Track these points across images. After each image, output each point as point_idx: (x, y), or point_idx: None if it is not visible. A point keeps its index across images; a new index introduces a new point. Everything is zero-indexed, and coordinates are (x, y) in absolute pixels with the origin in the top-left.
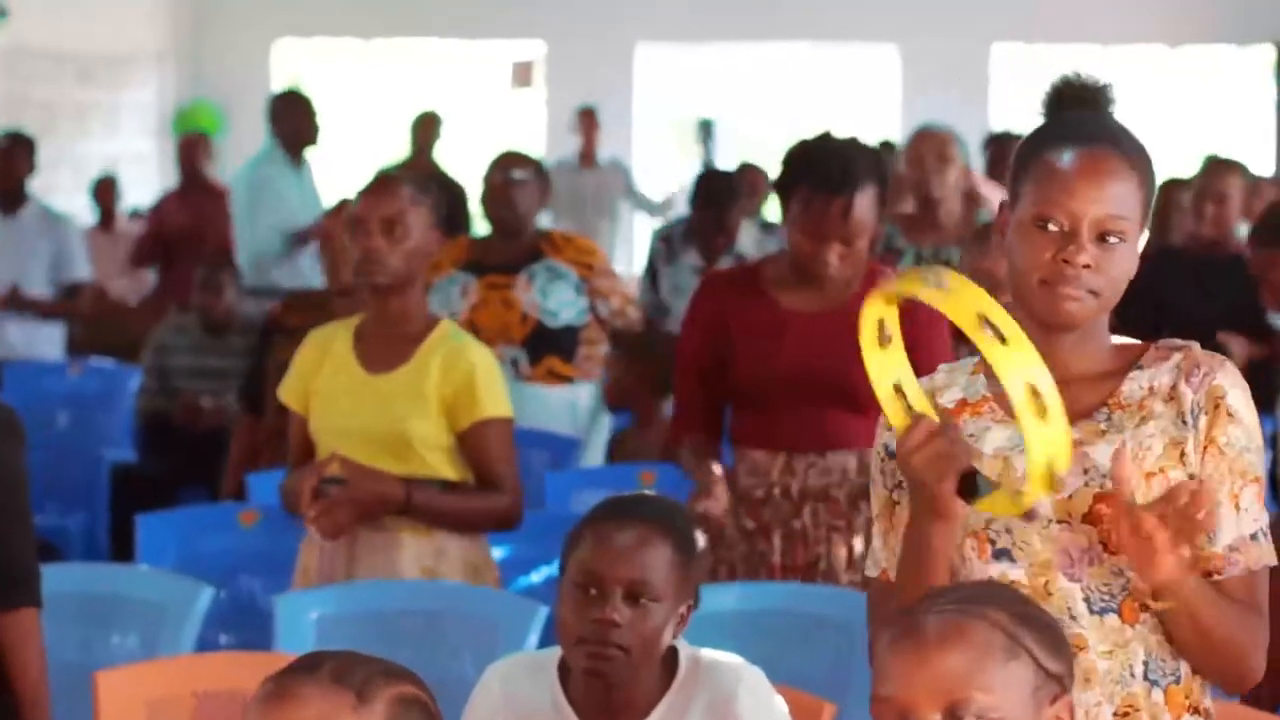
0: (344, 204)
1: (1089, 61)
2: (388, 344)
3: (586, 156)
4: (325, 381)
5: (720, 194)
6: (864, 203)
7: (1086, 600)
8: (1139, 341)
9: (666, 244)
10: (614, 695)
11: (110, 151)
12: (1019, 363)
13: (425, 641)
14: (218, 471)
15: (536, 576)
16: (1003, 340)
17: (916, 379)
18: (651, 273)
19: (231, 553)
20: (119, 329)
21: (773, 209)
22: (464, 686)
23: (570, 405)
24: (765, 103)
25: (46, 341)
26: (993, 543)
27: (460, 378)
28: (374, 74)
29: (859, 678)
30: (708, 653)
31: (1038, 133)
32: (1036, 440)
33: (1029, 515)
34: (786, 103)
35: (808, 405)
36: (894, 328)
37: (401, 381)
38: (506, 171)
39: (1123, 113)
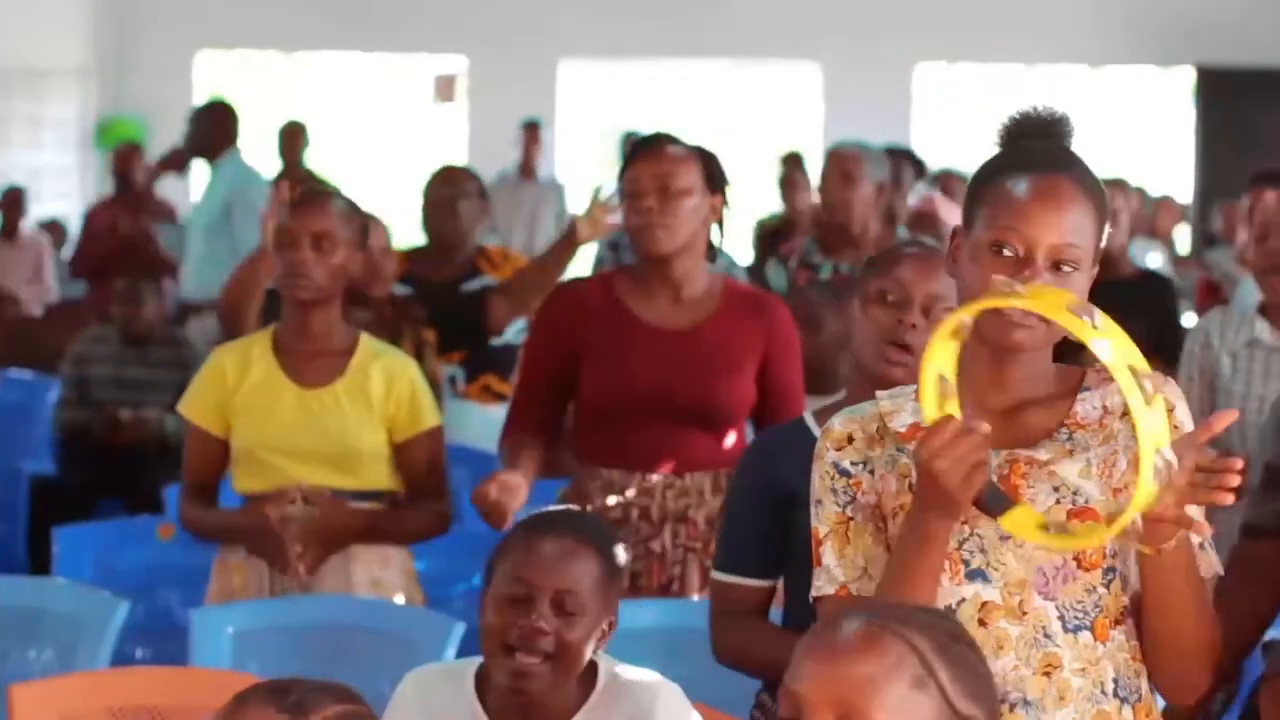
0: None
1: (1011, 81)
2: (316, 358)
3: (527, 170)
4: (250, 398)
5: None
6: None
7: (1061, 618)
8: (1073, 366)
9: (614, 250)
10: (532, 706)
11: (32, 164)
12: (1118, 348)
13: (342, 656)
14: (136, 484)
15: (455, 592)
16: (1097, 329)
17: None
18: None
19: (149, 566)
20: (31, 339)
21: None
22: (380, 702)
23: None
24: (689, 119)
25: None
26: (966, 563)
27: (405, 390)
28: (296, 87)
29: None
30: (626, 668)
31: (995, 160)
32: (1146, 427)
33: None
34: (709, 119)
35: (663, 424)
36: (951, 377)
37: (344, 394)
38: (443, 187)
39: (1080, 142)
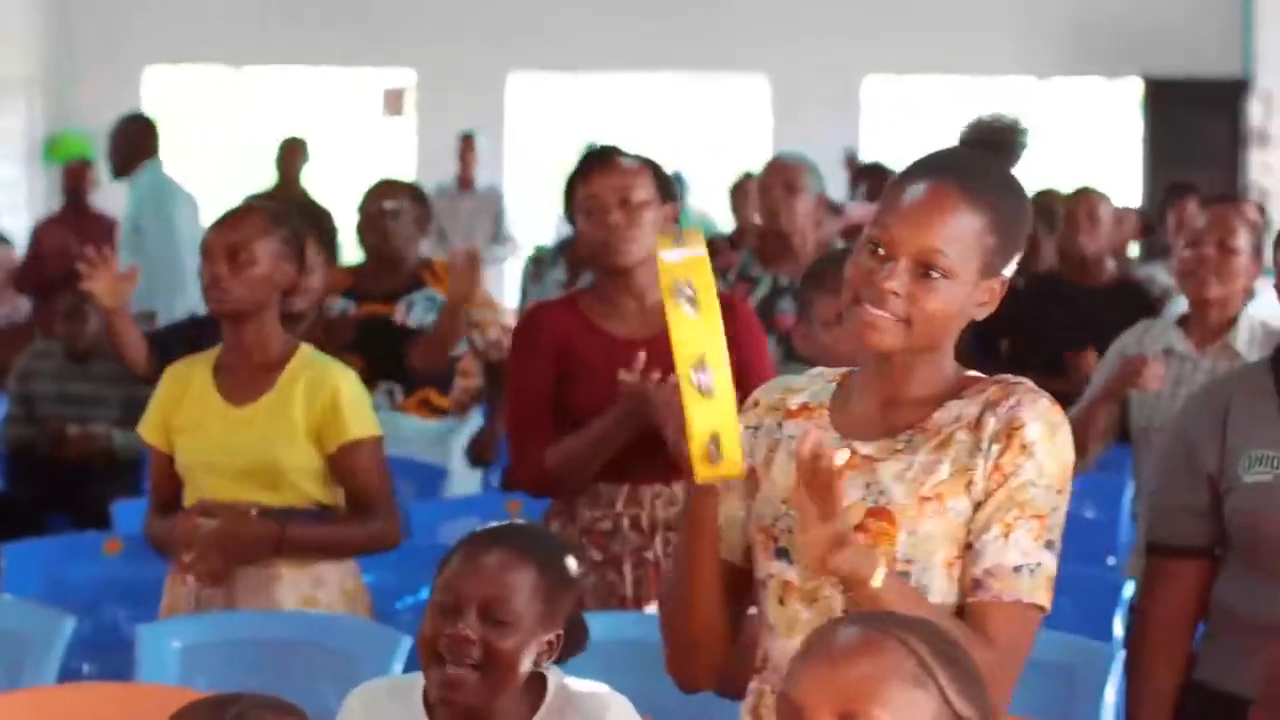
0: None
1: (959, 93)
2: (247, 374)
3: (464, 182)
4: (187, 416)
5: None
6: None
7: (847, 611)
8: (977, 376)
9: (537, 265)
10: (478, 719)
11: None
12: (697, 333)
13: (289, 671)
14: (84, 499)
15: (402, 606)
16: (694, 306)
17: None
18: (524, 295)
19: (96, 581)
20: None
21: None
22: (327, 717)
23: (442, 437)
24: (637, 132)
25: None
26: (776, 540)
27: (325, 401)
28: (245, 102)
29: (722, 708)
30: (575, 682)
31: (909, 165)
32: (694, 413)
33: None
34: (658, 132)
35: (650, 433)
36: (699, 292)
37: (266, 411)
38: (381, 201)
39: (1031, 151)
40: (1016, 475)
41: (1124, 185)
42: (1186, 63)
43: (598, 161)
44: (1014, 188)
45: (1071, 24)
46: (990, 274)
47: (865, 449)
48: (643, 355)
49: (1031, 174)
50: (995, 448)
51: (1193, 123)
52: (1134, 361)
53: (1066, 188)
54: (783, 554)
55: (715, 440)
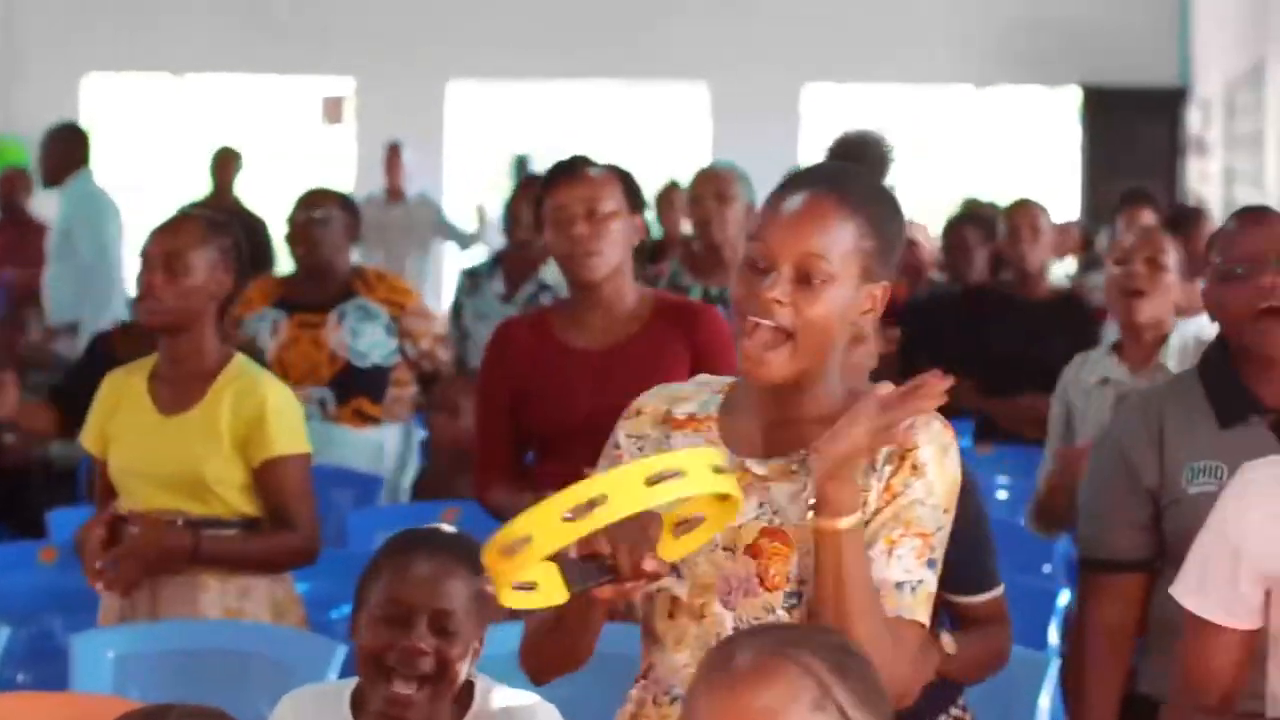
0: None
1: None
2: (181, 383)
3: (393, 192)
4: (120, 424)
5: (531, 224)
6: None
7: (736, 629)
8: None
9: (472, 279)
10: None
11: None
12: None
13: (223, 680)
14: (20, 508)
15: (338, 615)
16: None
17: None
18: (458, 308)
19: (32, 590)
20: None
21: None
22: None
23: (377, 446)
24: (578, 140)
25: None
26: None
27: (251, 414)
28: (185, 109)
29: None
30: (503, 689)
31: (786, 178)
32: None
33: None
34: (599, 139)
35: (602, 444)
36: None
37: (195, 421)
38: (309, 210)
39: (900, 164)
40: (905, 494)
41: (1062, 194)
42: (1125, 71)
43: (565, 172)
44: (887, 194)
45: (1010, 32)
46: (871, 279)
47: (758, 469)
48: None
49: (969, 181)
50: (888, 469)
51: (1131, 131)
52: (1068, 455)
53: (1005, 196)
54: (672, 570)
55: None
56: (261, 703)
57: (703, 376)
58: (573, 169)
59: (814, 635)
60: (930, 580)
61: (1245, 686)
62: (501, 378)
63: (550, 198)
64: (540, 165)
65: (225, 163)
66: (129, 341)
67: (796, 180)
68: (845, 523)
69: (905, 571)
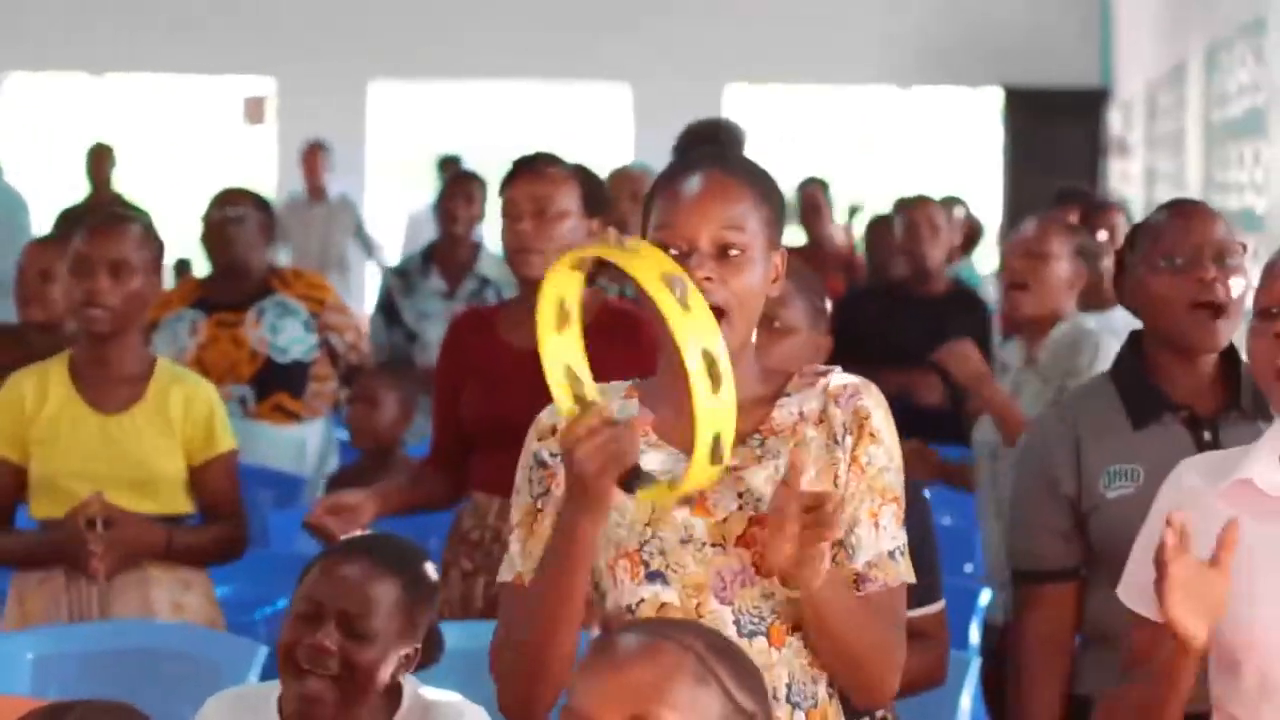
0: (55, 240)
1: (821, 102)
2: (114, 384)
3: (314, 191)
4: (48, 425)
5: (466, 220)
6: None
7: (736, 623)
8: (780, 371)
9: (402, 278)
10: None
11: None
12: (698, 329)
13: (144, 681)
14: None
15: (260, 616)
16: (685, 306)
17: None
18: (387, 308)
19: None
20: None
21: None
22: None
23: (299, 443)
24: (501, 140)
25: None
26: (646, 564)
27: (202, 413)
28: (105, 110)
29: None
30: (431, 691)
31: (663, 172)
32: (705, 411)
33: (687, 500)
34: (521, 140)
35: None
36: (574, 307)
37: (143, 419)
38: (224, 209)
39: (753, 150)
40: (872, 464)
41: (985, 195)
42: (1047, 72)
43: (525, 167)
44: (762, 166)
45: (933, 34)
46: (774, 246)
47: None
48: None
49: (894, 182)
50: (849, 439)
51: (1052, 132)
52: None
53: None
54: (656, 577)
55: (718, 440)
56: (183, 703)
57: (601, 384)
58: (533, 165)
59: (692, 625)
60: (905, 538)
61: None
62: (447, 369)
63: (506, 191)
64: (471, 165)
65: (100, 159)
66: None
67: (680, 167)
68: (822, 584)
69: (892, 539)
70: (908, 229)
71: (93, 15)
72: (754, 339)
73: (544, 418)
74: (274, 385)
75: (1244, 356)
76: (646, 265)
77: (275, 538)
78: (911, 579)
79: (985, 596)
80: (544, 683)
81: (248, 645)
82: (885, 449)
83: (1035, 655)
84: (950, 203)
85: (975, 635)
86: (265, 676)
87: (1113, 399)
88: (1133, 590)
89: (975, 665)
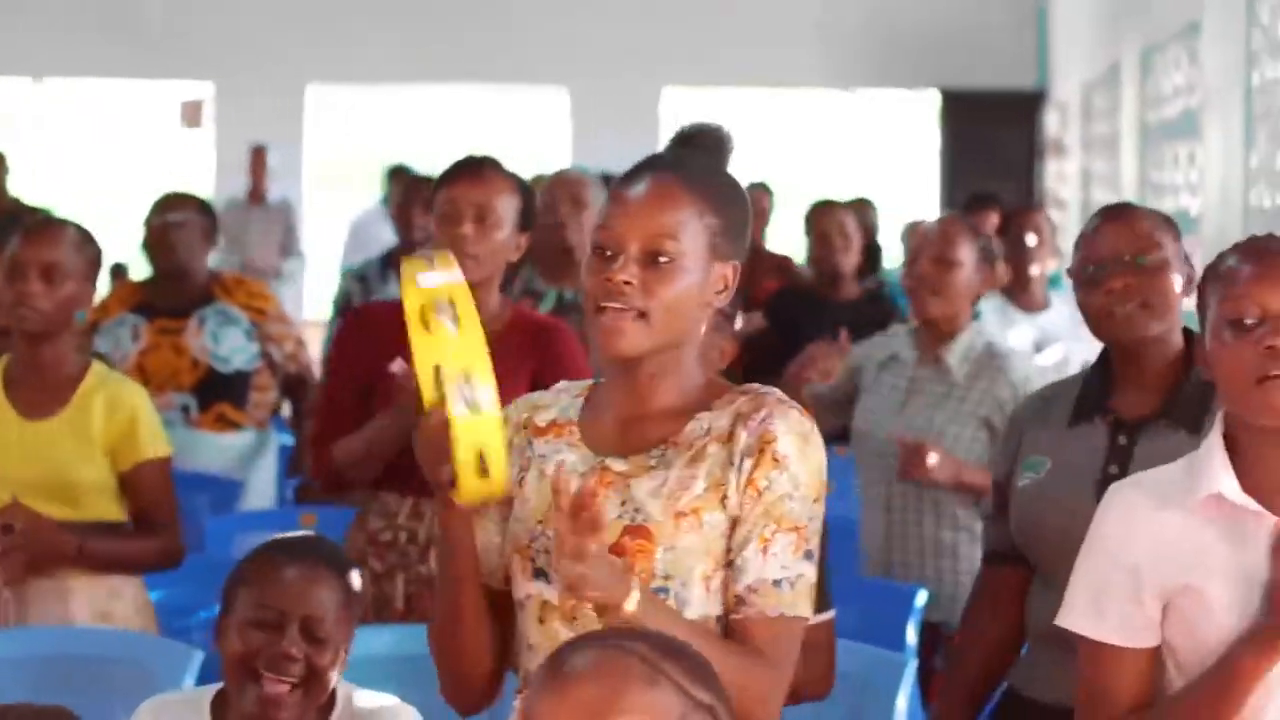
0: None
1: (760, 104)
2: (42, 389)
3: (255, 195)
4: None
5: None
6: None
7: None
8: (722, 383)
9: (362, 282)
10: None
11: None
12: (462, 349)
13: (77, 686)
14: None
15: (195, 621)
16: (456, 324)
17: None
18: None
19: None
20: None
21: None
22: None
23: (240, 451)
24: (439, 144)
25: None
26: (533, 561)
27: (124, 419)
28: (42, 114)
29: None
30: (364, 693)
31: (623, 174)
32: (460, 427)
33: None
34: (460, 143)
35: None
36: (460, 311)
37: (64, 426)
38: (165, 214)
39: (743, 155)
40: (771, 489)
41: (924, 197)
42: (983, 74)
43: (468, 169)
44: (727, 175)
45: (870, 36)
46: (720, 257)
47: (618, 466)
48: (399, 361)
49: (834, 184)
50: (748, 462)
51: (990, 134)
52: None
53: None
54: (541, 574)
55: (482, 457)
56: (118, 708)
57: (563, 383)
58: (478, 168)
59: (635, 630)
60: (810, 572)
61: (1148, 700)
62: (356, 358)
63: (446, 189)
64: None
65: None
66: None
67: (638, 169)
68: (631, 604)
69: (782, 568)
70: (817, 236)
71: (32, 20)
72: (693, 349)
73: (510, 413)
74: (216, 395)
75: (1198, 366)
76: (424, 293)
77: (211, 542)
78: (797, 613)
79: (922, 598)
80: (464, 662)
81: (183, 650)
82: (791, 476)
83: (970, 625)
84: (861, 205)
85: (912, 636)
86: (201, 682)
87: (1072, 394)
88: (1074, 612)
89: (912, 667)
